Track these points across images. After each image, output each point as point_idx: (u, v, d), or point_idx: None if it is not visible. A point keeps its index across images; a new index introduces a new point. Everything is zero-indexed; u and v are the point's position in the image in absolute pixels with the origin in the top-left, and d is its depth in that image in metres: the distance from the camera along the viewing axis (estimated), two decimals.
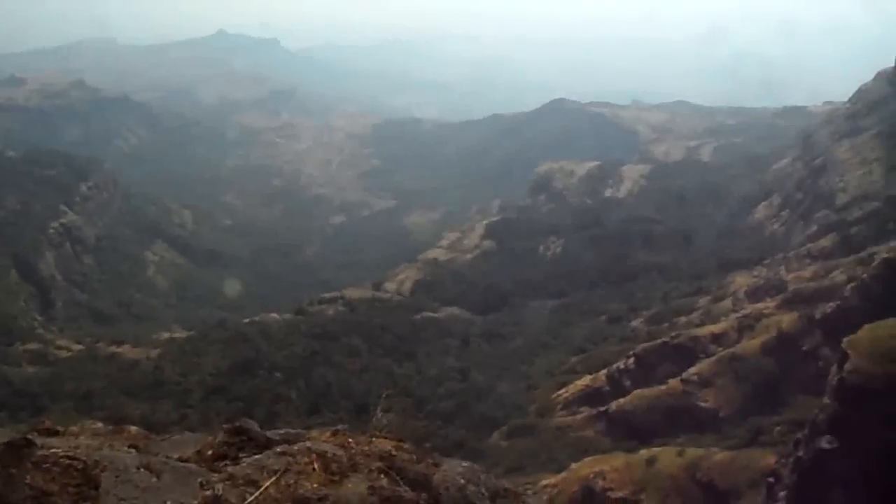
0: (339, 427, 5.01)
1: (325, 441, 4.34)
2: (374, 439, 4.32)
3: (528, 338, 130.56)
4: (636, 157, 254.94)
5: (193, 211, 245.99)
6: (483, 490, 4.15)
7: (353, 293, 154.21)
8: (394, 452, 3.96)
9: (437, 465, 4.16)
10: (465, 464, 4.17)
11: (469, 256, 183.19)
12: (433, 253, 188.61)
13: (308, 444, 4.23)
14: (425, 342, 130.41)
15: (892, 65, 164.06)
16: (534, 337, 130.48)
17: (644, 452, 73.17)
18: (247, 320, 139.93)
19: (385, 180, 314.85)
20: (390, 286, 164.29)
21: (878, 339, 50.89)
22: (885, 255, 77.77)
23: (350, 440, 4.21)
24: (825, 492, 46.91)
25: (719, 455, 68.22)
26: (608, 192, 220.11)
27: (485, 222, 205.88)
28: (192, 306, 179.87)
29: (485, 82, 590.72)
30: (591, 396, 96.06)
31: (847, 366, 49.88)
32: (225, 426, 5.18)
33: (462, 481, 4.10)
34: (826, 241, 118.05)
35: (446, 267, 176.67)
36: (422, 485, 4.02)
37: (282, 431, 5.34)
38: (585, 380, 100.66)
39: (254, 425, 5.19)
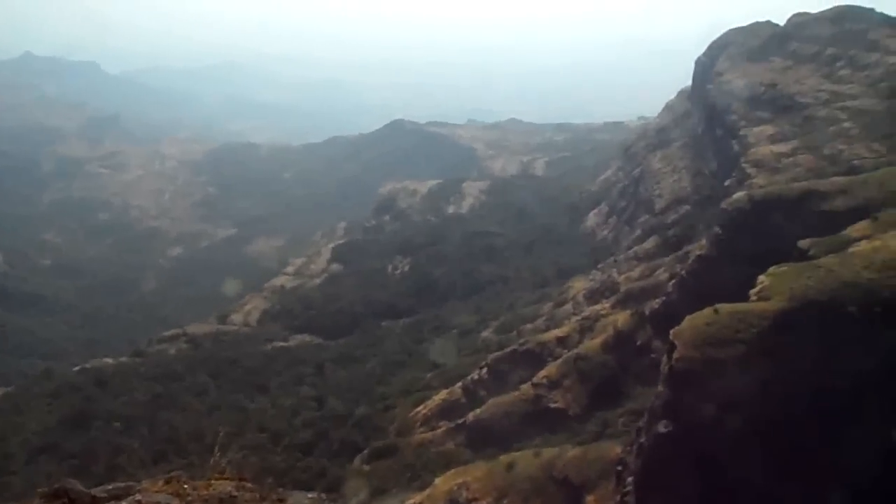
0: (174, 473, 4.60)
1: (157, 491, 3.96)
2: (213, 482, 4.01)
3: (383, 358, 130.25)
4: (475, 174, 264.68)
5: (5, 252, 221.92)
6: None
7: (196, 329, 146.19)
8: (234, 493, 3.68)
9: (281, 500, 3.93)
10: (310, 495, 3.99)
11: (317, 281, 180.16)
12: (279, 280, 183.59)
13: (138, 497, 3.83)
14: (277, 373, 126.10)
15: (691, 83, 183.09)
16: (388, 357, 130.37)
17: (503, 458, 75.25)
18: (76, 368, 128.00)
19: (224, 208, 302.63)
20: (236, 318, 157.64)
21: (697, 327, 56.05)
22: (697, 253, 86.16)
23: (185, 486, 3.87)
24: (667, 472, 50.67)
25: (572, 451, 71.68)
26: (451, 209, 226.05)
27: (331, 245, 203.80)
28: (10, 358, 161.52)
29: (322, 105, 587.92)
30: (448, 410, 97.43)
31: (675, 355, 54.43)
32: (41, 490, 4.59)
33: None
34: (649, 244, 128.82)
35: (294, 294, 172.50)
36: None
37: (110, 487, 4.82)
38: (442, 394, 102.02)
39: (76, 485, 4.65)
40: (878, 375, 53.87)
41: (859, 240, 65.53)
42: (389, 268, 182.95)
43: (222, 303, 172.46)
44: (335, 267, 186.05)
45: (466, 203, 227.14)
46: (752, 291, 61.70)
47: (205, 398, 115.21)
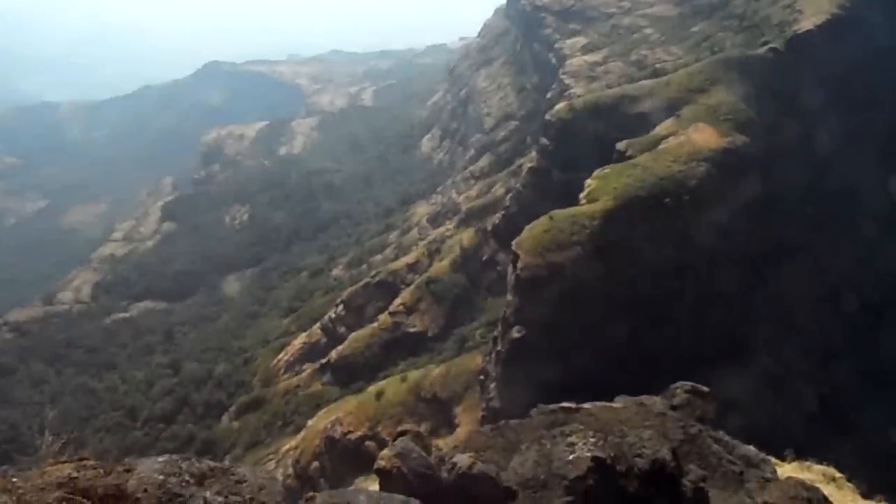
0: (1, 469, 4.27)
1: None
2: (48, 469, 3.76)
3: (234, 313, 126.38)
4: (302, 112, 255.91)
5: None
6: (187, 477, 3.91)
7: (19, 315, 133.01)
8: (75, 474, 3.50)
9: (129, 470, 3.80)
10: (161, 459, 3.89)
11: (150, 244, 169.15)
12: (107, 249, 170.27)
13: None
14: (122, 346, 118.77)
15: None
16: (240, 310, 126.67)
17: (372, 389, 76.74)
18: None
19: (28, 179, 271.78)
20: (65, 296, 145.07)
21: (535, 236, 59.30)
22: (529, 165, 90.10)
23: (15, 480, 3.60)
24: (526, 373, 54.15)
25: (436, 370, 74.48)
26: (283, 150, 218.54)
27: (159, 204, 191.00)
28: None
29: (122, 53, 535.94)
30: (310, 352, 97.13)
31: (519, 264, 57.43)
32: None
33: (161, 477, 3.81)
34: (483, 162, 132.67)
35: (127, 260, 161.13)
36: (115, 496, 3.65)
37: None
38: (301, 338, 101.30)
39: None
40: (693, 257, 60.37)
41: (667, 136, 71.63)
42: (227, 219, 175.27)
43: (45, 282, 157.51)
44: (168, 226, 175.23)
45: (298, 142, 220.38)
46: (582, 195, 66.00)
47: (44, 388, 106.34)
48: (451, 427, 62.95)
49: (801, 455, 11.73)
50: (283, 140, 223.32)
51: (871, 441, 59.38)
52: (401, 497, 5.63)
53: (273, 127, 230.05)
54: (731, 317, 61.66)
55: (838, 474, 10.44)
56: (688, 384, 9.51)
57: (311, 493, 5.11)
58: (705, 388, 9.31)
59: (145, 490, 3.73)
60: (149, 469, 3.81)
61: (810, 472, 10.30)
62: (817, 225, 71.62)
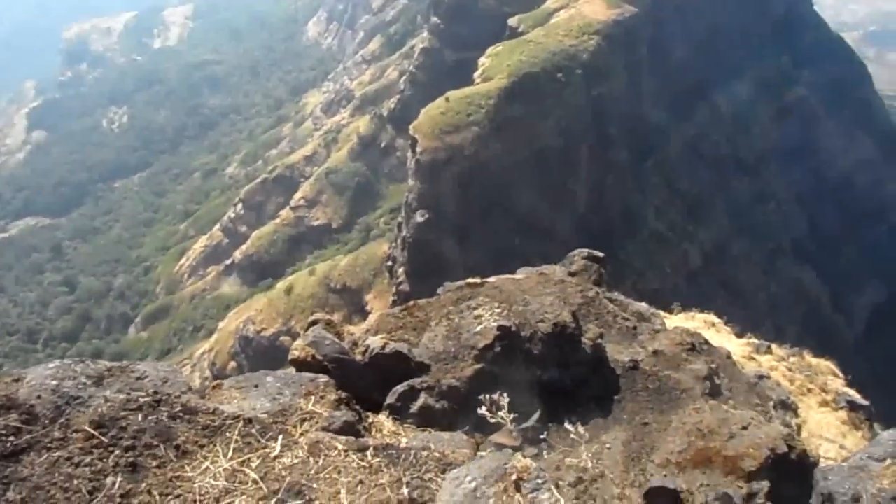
0: None
1: None
2: None
3: (127, 221, 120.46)
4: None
5: None
6: (83, 380, 3.87)
7: None
8: None
9: (18, 379, 3.71)
10: (52, 365, 3.81)
11: (20, 156, 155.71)
12: None
13: None
14: (8, 268, 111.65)
15: None
16: (132, 218, 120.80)
17: (281, 285, 76.53)
18: None
19: None
20: None
21: (433, 118, 58.78)
22: (421, 46, 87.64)
23: None
24: (432, 255, 55.26)
25: (343, 260, 74.82)
26: (157, 44, 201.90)
27: (24, 111, 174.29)
28: None
29: None
30: (213, 255, 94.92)
31: (417, 148, 57.12)
32: None
33: (54, 382, 3.75)
34: (374, 45, 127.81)
35: None
36: (5, 407, 3.58)
37: None
38: (202, 241, 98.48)
39: None
40: (588, 132, 61.84)
41: (558, 10, 71.02)
42: (104, 122, 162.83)
43: None
44: (37, 135, 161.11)
45: (173, 34, 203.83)
46: (476, 74, 65.34)
47: None
48: (364, 314, 64.23)
49: (686, 307, 12.78)
50: (155, 32, 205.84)
51: (745, 290, 65.41)
52: (309, 375, 5.77)
53: (142, 18, 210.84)
54: (624, 187, 64.51)
55: (717, 320, 11.57)
56: (584, 251, 10.03)
57: (216, 381, 5.15)
58: (600, 254, 9.85)
59: (39, 396, 3.67)
60: (40, 376, 3.73)
61: (694, 321, 11.34)
62: (702, 92, 74.55)
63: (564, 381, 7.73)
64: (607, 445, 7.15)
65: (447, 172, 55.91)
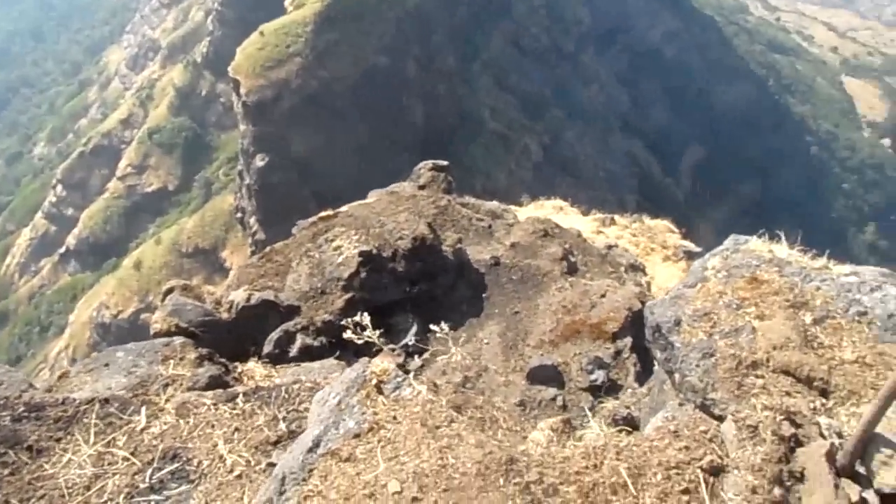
0: None
1: None
2: None
3: None
4: None
5: None
6: None
7: None
8: None
9: None
10: None
11: None
12: None
13: None
14: None
15: None
16: None
17: (128, 262, 71.75)
18: None
19: None
20: None
21: (251, 56, 55.67)
22: None
23: None
24: (280, 197, 53.56)
25: (189, 223, 71.01)
26: None
27: None
28: None
29: None
30: (42, 246, 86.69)
31: (241, 90, 54.18)
32: None
33: None
34: None
35: None
36: None
37: None
38: (26, 235, 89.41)
39: None
40: (410, 44, 61.20)
41: None
42: None
43: None
44: None
45: None
46: (287, 2, 62.11)
47: None
48: (225, 272, 61.90)
49: (535, 197, 13.37)
50: None
51: (585, 172, 69.40)
52: (162, 340, 5.56)
53: None
54: (456, 93, 65.14)
55: (564, 203, 12.24)
56: (429, 163, 10.12)
57: (62, 370, 4.86)
58: (444, 163, 9.99)
59: None
60: None
61: (544, 209, 11.93)
62: None
63: (434, 291, 7.94)
64: (485, 341, 7.52)
65: (278, 109, 53.72)
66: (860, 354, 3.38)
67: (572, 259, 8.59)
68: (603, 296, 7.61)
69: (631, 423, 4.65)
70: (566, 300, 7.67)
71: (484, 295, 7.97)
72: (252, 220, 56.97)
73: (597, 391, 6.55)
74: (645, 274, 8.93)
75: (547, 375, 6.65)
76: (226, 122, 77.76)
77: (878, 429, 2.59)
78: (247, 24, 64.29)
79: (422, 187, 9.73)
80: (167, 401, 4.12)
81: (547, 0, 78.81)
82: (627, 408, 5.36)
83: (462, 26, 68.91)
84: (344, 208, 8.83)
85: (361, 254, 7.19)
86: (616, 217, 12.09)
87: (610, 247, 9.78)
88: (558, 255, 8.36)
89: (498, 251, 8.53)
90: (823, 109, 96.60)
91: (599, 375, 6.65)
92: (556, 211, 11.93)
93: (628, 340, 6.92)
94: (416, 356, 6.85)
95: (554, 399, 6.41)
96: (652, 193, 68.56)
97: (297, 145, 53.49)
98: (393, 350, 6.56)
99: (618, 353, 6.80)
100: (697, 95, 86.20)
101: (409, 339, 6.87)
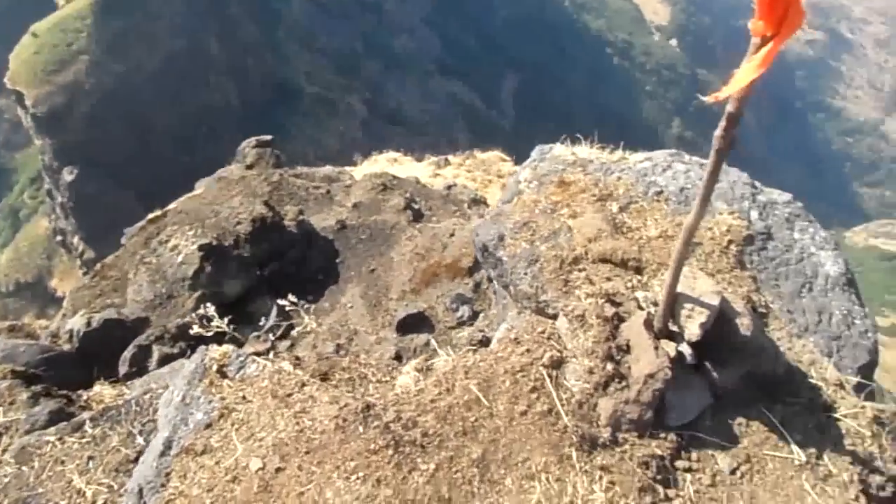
0: None
1: None
2: None
3: None
4: None
5: None
6: None
7: None
8: None
9: None
10: None
11: None
12: None
13: None
14: None
15: None
16: None
17: None
18: None
19: None
20: None
21: (28, 62, 50.14)
22: None
23: None
24: (100, 207, 49.48)
25: (2, 257, 64.16)
26: None
27: None
28: None
29: None
30: None
31: (27, 101, 48.90)
32: None
33: None
34: None
35: None
36: None
37: None
38: None
39: None
40: (206, 20, 57.74)
41: None
42: None
43: None
44: None
45: None
46: None
47: None
48: (58, 302, 56.66)
49: (368, 154, 13.31)
50: None
51: (412, 119, 69.91)
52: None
53: None
54: (266, 62, 62.64)
55: (397, 154, 12.32)
56: (252, 140, 9.76)
57: None
58: (268, 137, 9.68)
59: None
60: None
61: (378, 164, 11.94)
62: None
63: (286, 268, 7.78)
64: (349, 305, 7.52)
65: (74, 115, 49.09)
66: (662, 229, 3.78)
67: (416, 206, 8.73)
68: (452, 235, 7.82)
69: (486, 344, 4.90)
70: (418, 247, 7.81)
71: (338, 260, 7.93)
72: (75, 239, 52.34)
73: (466, 326, 6.79)
74: (487, 206, 9.27)
75: (415, 323, 6.80)
76: (17, 140, 69.94)
77: (680, 288, 2.92)
78: (12, 26, 57.66)
79: (250, 167, 9.41)
80: (4, 451, 3.79)
81: None
82: (482, 331, 5.62)
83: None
84: (173, 205, 8.37)
85: (201, 247, 6.88)
86: (450, 157, 12.35)
87: (449, 187, 10.02)
88: (401, 206, 8.46)
89: (342, 214, 8.49)
90: (617, 21, 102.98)
91: (464, 311, 6.88)
92: (391, 163, 11.99)
93: (483, 273, 7.20)
94: (284, 337, 6.75)
95: (427, 343, 6.58)
96: (480, 128, 70.46)
97: (106, 150, 49.33)
98: (258, 337, 6.41)
99: (477, 285, 7.05)
100: (504, 23, 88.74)
101: (271, 321, 6.73)
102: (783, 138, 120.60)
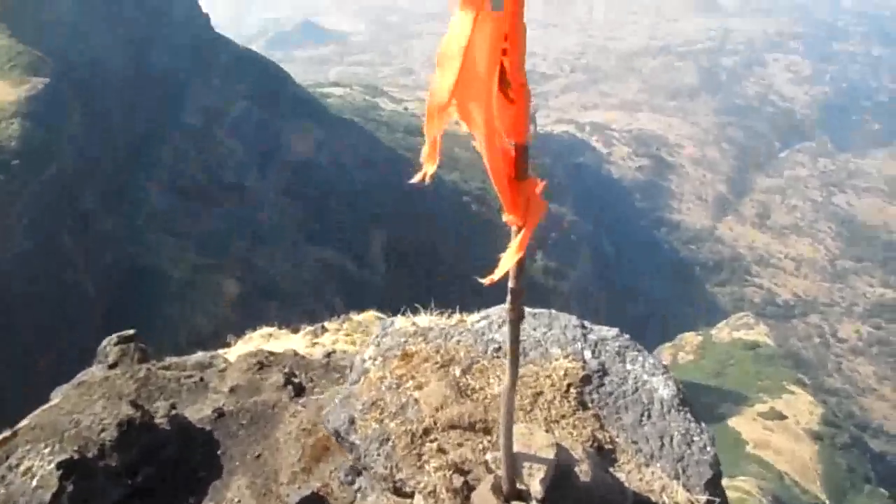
0: None
1: None
2: None
3: None
4: None
5: None
6: None
7: None
8: None
9: None
10: None
11: None
12: None
13: None
14: None
15: None
16: None
17: None
18: None
19: None
20: None
21: None
22: None
23: None
24: None
25: None
26: None
27: None
28: None
29: None
30: None
31: None
32: None
33: None
34: None
35: None
36: None
37: None
38: None
39: None
40: (61, 216, 55.83)
41: None
42: None
43: None
44: None
45: None
46: None
47: None
48: None
49: (241, 333, 12.92)
50: None
51: (285, 291, 69.32)
52: None
53: None
54: (126, 253, 60.81)
55: (271, 329, 12.07)
56: (113, 337, 9.24)
57: None
58: (130, 331, 9.22)
59: None
60: None
61: (253, 341, 11.58)
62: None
63: (162, 471, 7.15)
64: (236, 500, 6.95)
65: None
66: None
67: (296, 380, 8.47)
68: None
69: None
70: (304, 422, 7.49)
71: (219, 452, 7.42)
72: None
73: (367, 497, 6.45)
74: None
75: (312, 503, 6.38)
76: None
77: (516, 447, 2.97)
78: None
79: (113, 366, 8.84)
80: None
81: (195, 140, 78.61)
82: None
83: (112, 184, 65.15)
84: (24, 422, 7.59)
85: (60, 465, 6.23)
86: (326, 324, 12.24)
87: (329, 354, 9.85)
88: (281, 382, 8.19)
89: (218, 401, 8.07)
90: (470, 173, 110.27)
91: (360, 482, 6.57)
92: (266, 339, 11.68)
93: None
94: None
95: None
96: (354, 289, 70.94)
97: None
98: None
99: None
100: (362, 189, 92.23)
101: None
102: (638, 255, 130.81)
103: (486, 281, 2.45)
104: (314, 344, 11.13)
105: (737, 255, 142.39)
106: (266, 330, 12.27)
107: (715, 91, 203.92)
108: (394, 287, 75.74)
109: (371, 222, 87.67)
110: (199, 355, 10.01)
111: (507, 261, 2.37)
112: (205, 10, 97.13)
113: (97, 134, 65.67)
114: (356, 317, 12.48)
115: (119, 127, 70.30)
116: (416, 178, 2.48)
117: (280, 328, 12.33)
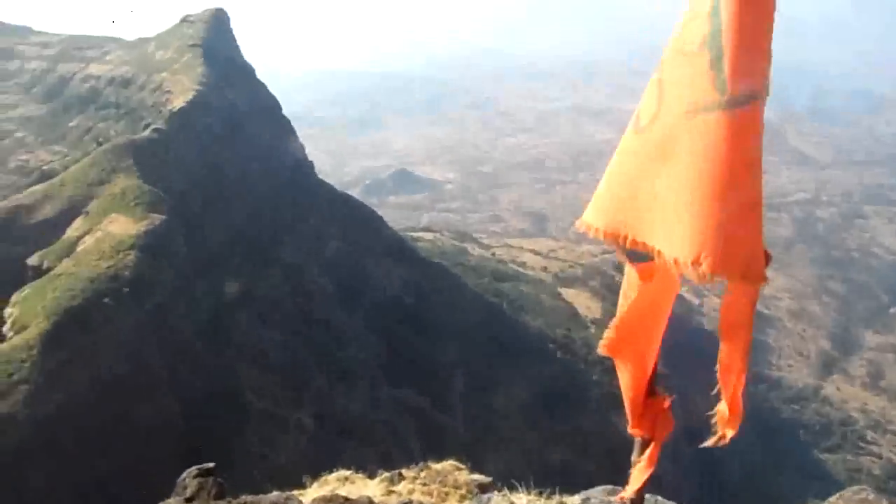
0: None
1: None
2: None
3: None
4: None
5: None
6: None
7: None
8: None
9: None
10: None
11: None
12: None
13: None
14: None
15: None
16: None
17: None
18: None
19: None
20: None
21: None
22: None
23: None
24: None
25: None
26: None
27: None
28: None
29: None
30: None
31: None
32: None
33: None
34: None
35: None
36: None
37: None
38: None
39: None
40: (151, 345, 58.69)
41: (82, 237, 66.96)
42: None
43: None
44: None
45: None
46: (6, 329, 56.75)
47: None
48: None
49: (317, 475, 12.66)
50: None
51: (364, 430, 68.71)
52: None
53: None
54: (212, 380, 62.45)
55: (348, 472, 11.77)
56: (193, 469, 9.25)
57: None
58: (210, 465, 9.21)
59: None
60: None
61: (329, 484, 11.31)
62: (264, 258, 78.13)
63: None
64: None
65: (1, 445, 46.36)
66: None
67: None
68: None
69: None
70: None
71: None
72: None
73: None
74: None
75: None
76: None
77: None
78: None
79: (190, 499, 8.77)
80: None
81: (289, 275, 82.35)
82: None
83: (207, 315, 68.33)
84: None
85: None
86: (403, 471, 11.86)
87: None
88: None
89: None
90: (555, 319, 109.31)
91: None
92: (341, 482, 11.39)
93: None
94: None
95: None
96: (433, 434, 69.35)
97: (30, 485, 45.79)
98: None
99: None
100: (449, 336, 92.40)
101: None
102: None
103: (616, 500, 2.48)
104: (390, 492, 10.75)
105: (847, 419, 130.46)
106: (342, 473, 11.98)
107: (812, 243, 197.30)
108: (474, 435, 73.65)
109: (454, 367, 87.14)
110: (275, 495, 9.81)
111: (638, 476, 2.38)
112: (310, 157, 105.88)
113: (201, 264, 70.16)
114: (435, 465, 12.04)
115: (220, 258, 74.83)
116: (709, 442, 2.53)
117: (356, 472, 12.02)
